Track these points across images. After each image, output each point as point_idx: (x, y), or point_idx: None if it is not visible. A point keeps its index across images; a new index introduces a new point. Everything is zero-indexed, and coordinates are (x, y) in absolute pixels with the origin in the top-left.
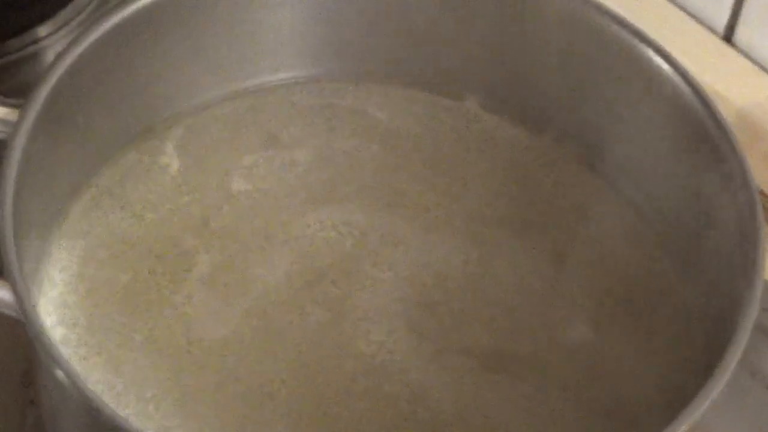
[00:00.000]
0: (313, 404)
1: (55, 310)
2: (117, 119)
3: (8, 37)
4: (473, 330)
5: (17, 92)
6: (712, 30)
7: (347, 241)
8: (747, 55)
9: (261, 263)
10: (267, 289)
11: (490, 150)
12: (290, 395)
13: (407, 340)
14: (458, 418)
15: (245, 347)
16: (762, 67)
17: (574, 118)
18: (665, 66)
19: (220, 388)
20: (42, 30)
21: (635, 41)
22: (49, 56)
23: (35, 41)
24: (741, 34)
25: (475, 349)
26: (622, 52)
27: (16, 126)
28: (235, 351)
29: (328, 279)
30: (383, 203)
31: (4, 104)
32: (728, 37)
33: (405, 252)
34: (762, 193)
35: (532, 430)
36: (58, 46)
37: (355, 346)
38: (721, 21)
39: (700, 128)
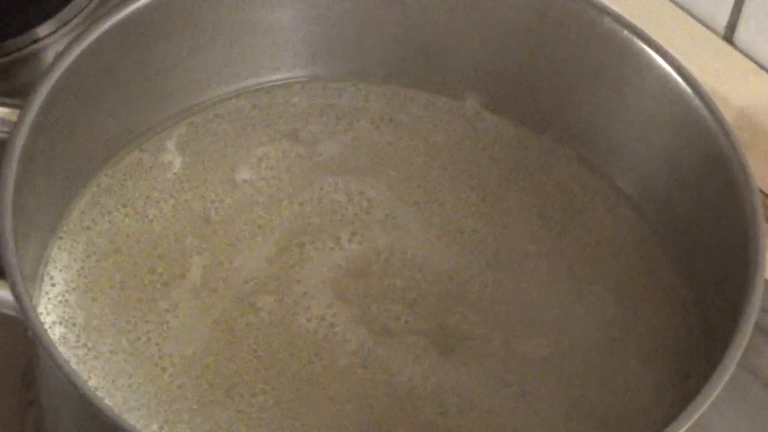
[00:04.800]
0: (287, 404)
1: (54, 309)
2: (117, 119)
3: (8, 37)
4: (428, 313)
5: (17, 92)
6: (712, 30)
7: (350, 208)
8: (747, 55)
9: (247, 255)
10: (242, 288)
11: (490, 150)
12: (266, 403)
13: (346, 312)
14: (419, 380)
15: (211, 364)
16: (762, 67)
17: (574, 118)
18: (666, 66)
19: (196, 405)
20: (42, 30)
21: (635, 41)
22: (49, 56)
23: (35, 41)
24: (741, 33)
25: (428, 331)
26: (622, 52)
27: (16, 126)
28: (201, 368)
29: (296, 242)
30: (401, 189)
31: (4, 104)
32: (729, 36)
33: (390, 232)
34: (762, 193)
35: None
36: (58, 46)
37: (299, 326)
38: (722, 20)
39: (700, 128)
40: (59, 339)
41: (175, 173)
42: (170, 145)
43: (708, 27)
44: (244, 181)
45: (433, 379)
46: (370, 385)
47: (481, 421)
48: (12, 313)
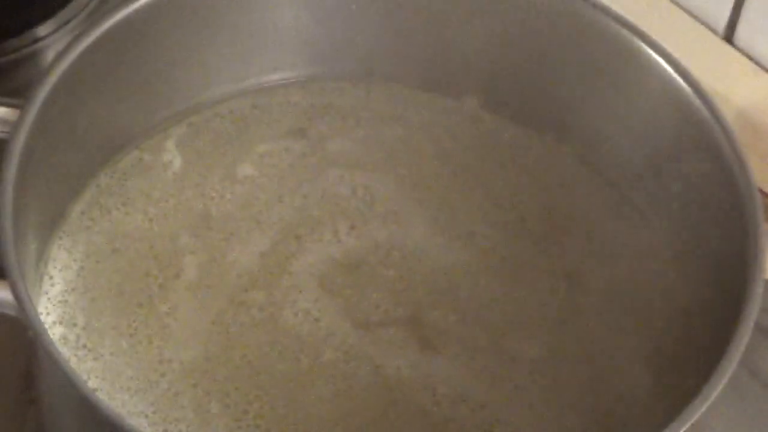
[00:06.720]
0: (282, 409)
1: (54, 309)
2: (117, 119)
3: (8, 37)
4: (418, 307)
5: (17, 92)
6: (712, 30)
7: (352, 202)
8: (747, 55)
9: (243, 250)
10: (236, 284)
11: (490, 150)
12: (261, 410)
13: (331, 305)
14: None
15: (208, 370)
16: (762, 67)
17: (574, 118)
18: (665, 65)
19: (193, 414)
20: (42, 30)
21: (635, 40)
22: (49, 56)
23: (35, 41)
24: (741, 33)
25: (404, 323)
26: (622, 52)
27: (16, 126)
28: (199, 374)
29: (293, 235)
30: (406, 186)
31: (4, 104)
32: (729, 36)
33: (390, 226)
34: (762, 192)
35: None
36: (58, 46)
37: (285, 322)
38: (722, 20)
39: (700, 128)
40: (59, 339)
41: (175, 173)
42: (170, 144)
43: (708, 27)
44: (246, 176)
45: (422, 371)
46: (355, 378)
47: (475, 413)
48: (12, 313)
